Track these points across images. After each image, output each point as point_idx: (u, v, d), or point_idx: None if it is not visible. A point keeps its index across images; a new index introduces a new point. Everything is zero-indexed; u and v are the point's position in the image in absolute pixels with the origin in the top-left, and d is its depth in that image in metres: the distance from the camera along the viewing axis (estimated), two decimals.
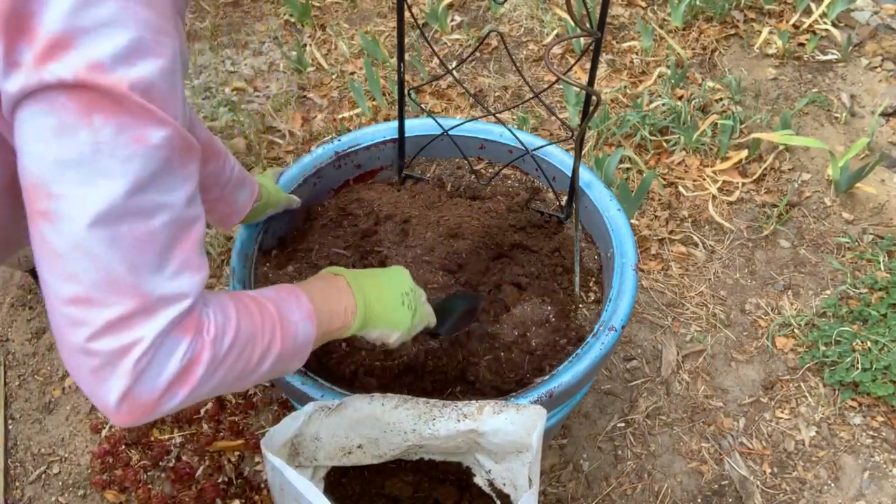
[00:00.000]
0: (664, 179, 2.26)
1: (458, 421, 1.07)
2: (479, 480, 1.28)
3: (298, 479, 0.97)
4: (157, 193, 0.64)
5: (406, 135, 1.48)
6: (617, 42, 2.72)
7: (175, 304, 0.65)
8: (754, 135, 2.27)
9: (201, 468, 1.69)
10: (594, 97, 1.07)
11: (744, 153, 2.29)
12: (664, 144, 2.34)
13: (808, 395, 1.82)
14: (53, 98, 0.59)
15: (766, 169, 2.29)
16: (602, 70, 2.62)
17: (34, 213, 0.63)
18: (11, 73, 0.59)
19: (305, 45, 2.77)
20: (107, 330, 0.62)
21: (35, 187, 0.62)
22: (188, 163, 0.67)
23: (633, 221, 2.14)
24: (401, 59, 1.31)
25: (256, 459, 1.71)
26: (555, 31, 2.74)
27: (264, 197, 1.27)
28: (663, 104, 2.43)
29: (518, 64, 2.66)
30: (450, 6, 2.89)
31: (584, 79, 2.63)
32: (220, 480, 1.67)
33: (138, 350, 0.63)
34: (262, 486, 1.67)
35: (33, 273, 1.98)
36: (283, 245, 1.42)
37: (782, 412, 1.79)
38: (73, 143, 0.60)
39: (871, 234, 2.12)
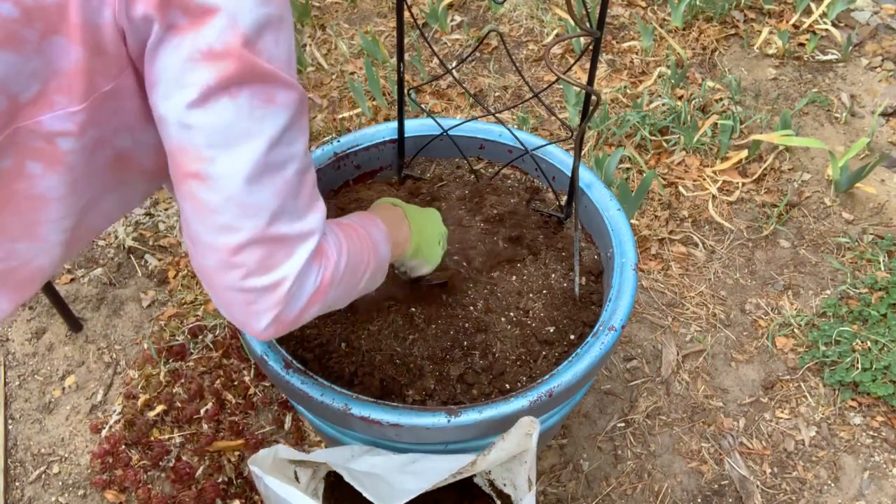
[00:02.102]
0: (664, 179, 2.26)
1: (455, 475, 1.09)
2: (479, 480, 1.28)
3: (279, 486, 0.99)
4: (287, 146, 0.72)
5: (406, 135, 1.48)
6: (617, 42, 2.72)
7: (308, 240, 0.76)
8: (754, 136, 2.27)
9: (201, 468, 1.69)
10: (594, 97, 1.07)
11: (744, 153, 2.29)
12: (664, 144, 2.34)
13: (808, 395, 1.82)
14: (193, 69, 0.66)
15: (766, 169, 2.29)
16: (602, 70, 2.62)
17: (183, 174, 0.71)
18: (164, 34, 0.66)
19: (305, 45, 2.77)
20: (258, 271, 0.73)
21: (184, 152, 0.70)
22: (304, 116, 0.75)
23: (633, 221, 2.14)
24: (400, 59, 1.31)
25: (253, 457, 1.71)
26: (555, 31, 2.74)
27: None
28: (663, 104, 2.43)
29: (518, 64, 2.66)
30: (450, 6, 2.89)
31: (584, 78, 2.63)
32: (220, 480, 1.67)
33: (286, 284, 0.74)
34: None
35: None
36: None
37: (782, 412, 1.79)
38: (213, 108, 0.67)
39: (871, 234, 2.12)
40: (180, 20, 0.66)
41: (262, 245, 0.72)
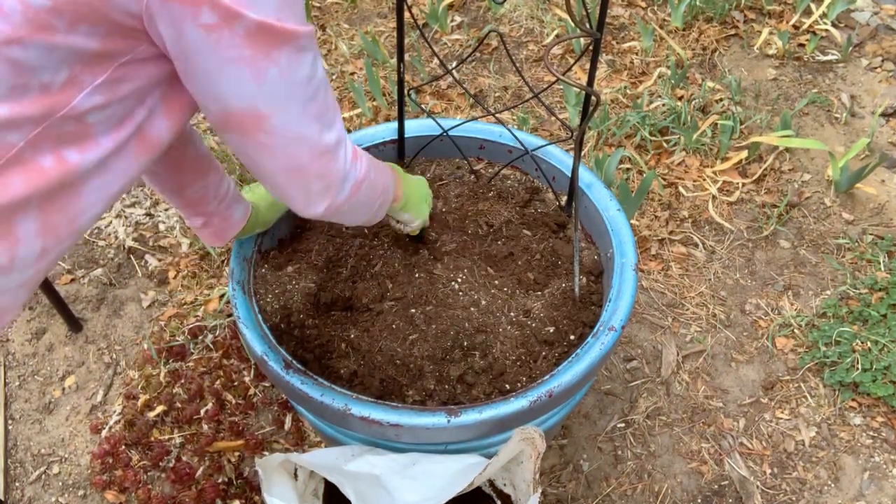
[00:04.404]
0: (664, 180, 2.26)
1: (455, 495, 1.09)
2: None
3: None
4: (314, 76, 0.86)
5: (406, 135, 1.48)
6: (617, 42, 2.72)
7: (343, 142, 0.95)
8: (754, 136, 2.27)
9: (201, 468, 1.69)
10: (593, 97, 1.07)
11: (744, 153, 2.29)
12: (664, 145, 2.34)
13: (808, 395, 1.82)
14: (239, 50, 0.77)
15: (766, 169, 2.29)
16: (602, 70, 2.62)
17: (247, 130, 0.85)
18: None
19: None
20: (316, 179, 0.93)
21: (242, 114, 0.83)
22: (316, 46, 0.87)
23: (633, 221, 2.14)
24: (400, 59, 1.31)
25: (256, 459, 1.71)
26: (555, 32, 2.74)
27: (253, 217, 1.31)
28: (663, 104, 2.43)
29: (518, 64, 2.66)
30: (450, 6, 2.89)
31: (584, 79, 2.63)
32: (220, 481, 1.67)
33: (336, 183, 0.96)
34: None
35: None
36: (283, 246, 1.42)
37: (782, 412, 1.79)
38: (266, 79, 0.81)
39: (871, 234, 2.12)
40: (210, 18, 0.74)
41: (317, 159, 0.91)
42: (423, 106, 2.47)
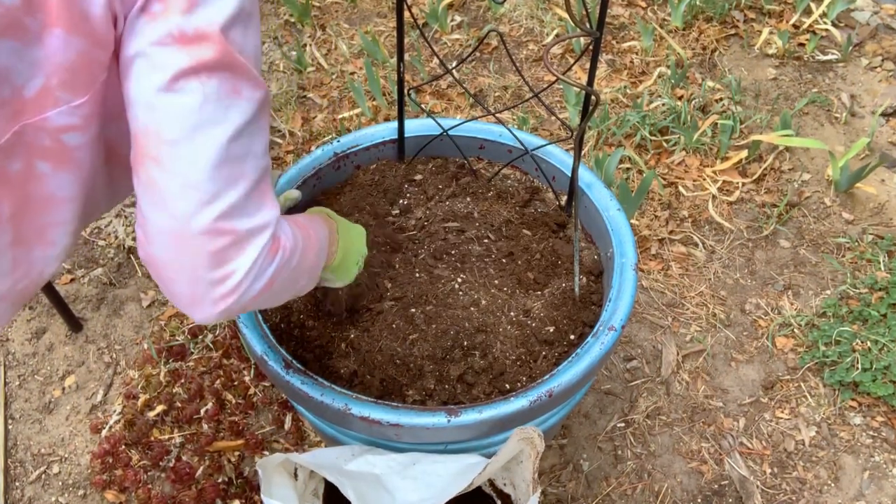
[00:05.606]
0: (664, 179, 2.26)
1: (455, 495, 1.10)
2: None
3: None
4: (247, 141, 0.72)
5: (406, 135, 1.48)
6: (617, 42, 2.72)
7: (258, 237, 0.75)
8: (754, 136, 2.27)
9: (201, 468, 1.69)
10: (593, 97, 1.07)
11: (744, 153, 2.29)
12: (664, 144, 2.34)
13: (808, 395, 1.82)
14: (166, 51, 0.67)
15: (766, 169, 2.29)
16: (602, 70, 2.62)
17: (144, 156, 0.71)
18: (145, 21, 0.67)
19: (305, 45, 2.78)
20: (209, 263, 0.72)
21: (146, 134, 0.70)
22: (266, 116, 0.75)
23: (633, 221, 2.14)
24: (400, 59, 1.31)
25: (256, 459, 1.71)
26: (555, 32, 2.74)
27: None
28: (663, 104, 2.43)
29: (518, 64, 2.66)
30: (450, 6, 2.89)
31: (584, 79, 2.63)
32: (220, 480, 1.67)
33: (235, 278, 0.74)
34: None
35: None
36: None
37: (782, 412, 1.79)
38: (178, 87, 0.68)
39: (871, 234, 2.12)
40: (155, 5, 0.67)
41: (214, 237, 0.72)
42: (423, 106, 2.47)
